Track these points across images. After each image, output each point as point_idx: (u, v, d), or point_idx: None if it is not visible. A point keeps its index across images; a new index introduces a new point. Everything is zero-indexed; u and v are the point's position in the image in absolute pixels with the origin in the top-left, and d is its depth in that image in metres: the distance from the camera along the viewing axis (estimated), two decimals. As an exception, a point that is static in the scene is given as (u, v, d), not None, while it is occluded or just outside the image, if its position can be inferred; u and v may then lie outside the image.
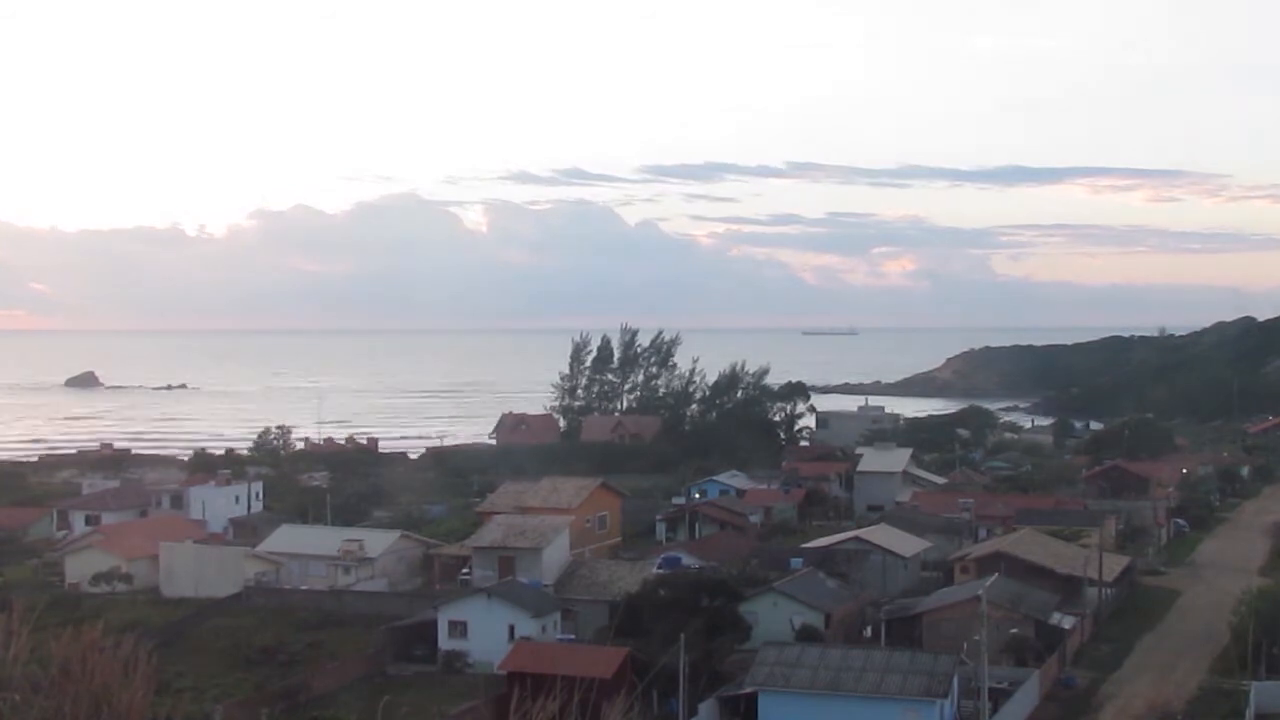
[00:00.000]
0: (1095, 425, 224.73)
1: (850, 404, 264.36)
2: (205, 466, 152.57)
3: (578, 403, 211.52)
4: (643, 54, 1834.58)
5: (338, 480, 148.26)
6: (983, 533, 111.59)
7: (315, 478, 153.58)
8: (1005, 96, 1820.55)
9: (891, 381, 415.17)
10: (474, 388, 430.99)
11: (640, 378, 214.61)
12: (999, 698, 64.33)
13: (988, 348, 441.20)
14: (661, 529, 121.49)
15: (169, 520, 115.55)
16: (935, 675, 61.62)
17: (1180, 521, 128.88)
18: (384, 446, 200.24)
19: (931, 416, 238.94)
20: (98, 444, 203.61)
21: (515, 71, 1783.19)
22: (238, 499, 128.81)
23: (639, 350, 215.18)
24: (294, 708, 66.28)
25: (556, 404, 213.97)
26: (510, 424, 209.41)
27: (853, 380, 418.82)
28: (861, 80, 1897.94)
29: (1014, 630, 75.50)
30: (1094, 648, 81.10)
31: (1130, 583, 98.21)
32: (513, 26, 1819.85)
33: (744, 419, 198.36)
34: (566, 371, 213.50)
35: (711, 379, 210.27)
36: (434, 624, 78.88)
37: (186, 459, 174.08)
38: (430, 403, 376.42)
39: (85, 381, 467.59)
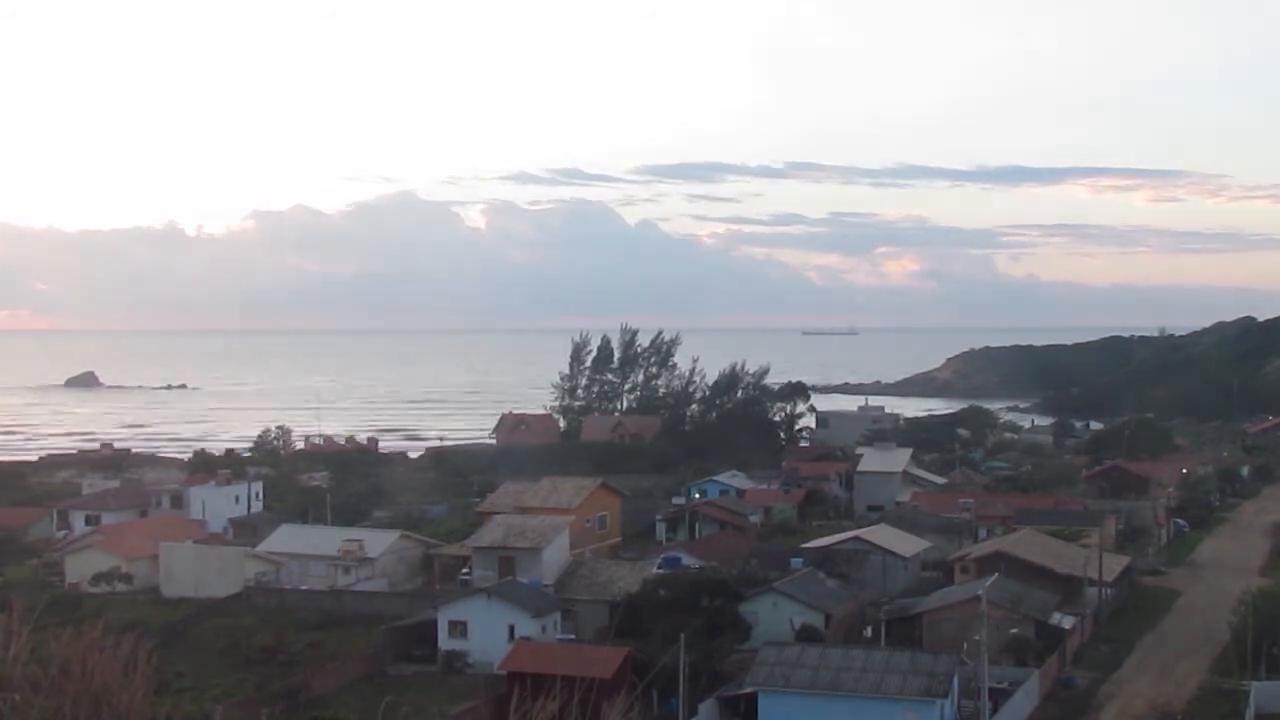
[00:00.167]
0: (1095, 425, 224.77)
1: (850, 404, 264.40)
2: (205, 466, 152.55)
3: (578, 403, 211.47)
4: (643, 54, 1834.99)
5: (338, 480, 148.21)
6: (983, 533, 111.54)
7: (315, 478, 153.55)
8: (1006, 96, 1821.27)
9: (891, 381, 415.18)
10: (474, 388, 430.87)
11: (640, 378, 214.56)
12: (999, 698, 64.31)
13: (988, 348, 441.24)
14: (661, 529, 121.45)
15: (169, 520, 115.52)
16: (935, 675, 61.60)
17: (1180, 521, 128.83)
18: (384, 446, 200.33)
19: (931, 416, 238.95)
20: (98, 444, 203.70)
21: (515, 71, 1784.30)
22: (238, 499, 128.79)
23: (639, 350, 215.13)
24: (294, 708, 66.26)
25: (556, 404, 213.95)
26: (510, 424, 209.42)
27: (853, 380, 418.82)
28: (862, 80, 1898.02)
29: (1014, 630, 75.47)
30: (1094, 648, 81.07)
31: (1130, 583, 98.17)
32: (513, 27, 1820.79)
33: (744, 419, 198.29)
34: (566, 371, 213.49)
35: (711, 379, 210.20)
36: (434, 624, 78.85)
37: (186, 459, 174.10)
38: (430, 403, 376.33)
39: (85, 381, 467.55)
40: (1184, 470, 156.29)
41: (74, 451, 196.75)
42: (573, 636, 77.88)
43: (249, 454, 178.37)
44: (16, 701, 10.66)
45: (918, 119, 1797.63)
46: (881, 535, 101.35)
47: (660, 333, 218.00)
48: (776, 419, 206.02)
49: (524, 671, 57.56)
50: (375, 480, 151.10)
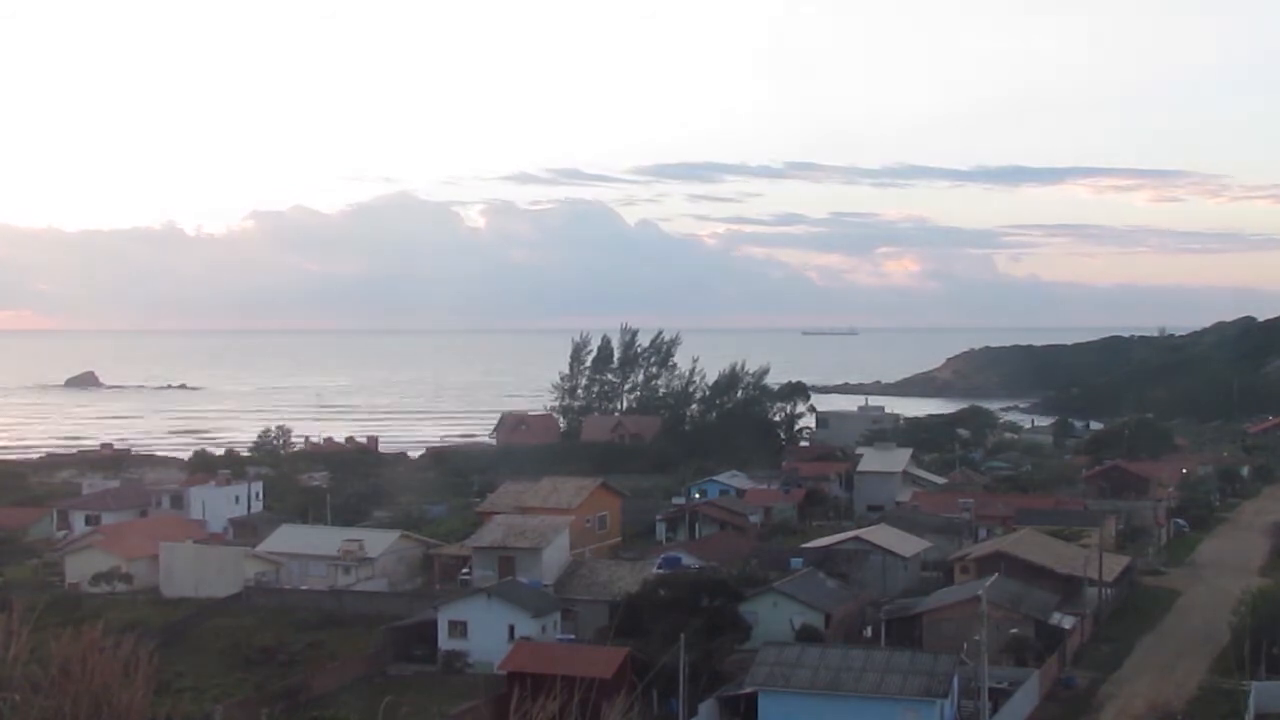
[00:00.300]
0: (1095, 425, 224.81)
1: (850, 404, 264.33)
2: (205, 466, 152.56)
3: (578, 403, 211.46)
4: (643, 54, 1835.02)
5: (338, 480, 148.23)
6: (983, 533, 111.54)
7: (315, 478, 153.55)
8: (1007, 96, 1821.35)
9: (891, 381, 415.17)
10: (474, 387, 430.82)
11: (640, 378, 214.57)
12: (999, 698, 64.30)
13: (988, 348, 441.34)
14: (661, 529, 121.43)
15: (169, 520, 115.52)
16: (935, 675, 61.60)
17: (1180, 521, 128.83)
18: (384, 446, 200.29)
19: (931, 416, 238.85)
20: (98, 444, 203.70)
21: (515, 71, 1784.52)
22: (238, 499, 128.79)
23: (639, 350, 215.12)
24: (294, 708, 66.24)
25: (556, 404, 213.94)
26: (510, 424, 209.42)
27: (853, 380, 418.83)
28: (863, 80, 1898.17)
29: (1014, 630, 75.47)
30: (1094, 648, 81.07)
31: (1130, 583, 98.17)
32: (513, 27, 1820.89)
33: (744, 419, 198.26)
34: (566, 371, 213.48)
35: (711, 379, 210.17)
36: (434, 624, 78.85)
37: (186, 459, 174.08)
38: (430, 402, 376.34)
39: (85, 381, 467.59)
40: (1184, 470, 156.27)
41: (74, 451, 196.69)
42: (573, 636, 77.86)
43: (249, 454, 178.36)
44: (16, 701, 10.67)
45: (918, 119, 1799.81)
46: (881, 535, 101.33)
47: (660, 333, 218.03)
48: (776, 419, 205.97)
49: (524, 671, 57.57)
50: (375, 480, 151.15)
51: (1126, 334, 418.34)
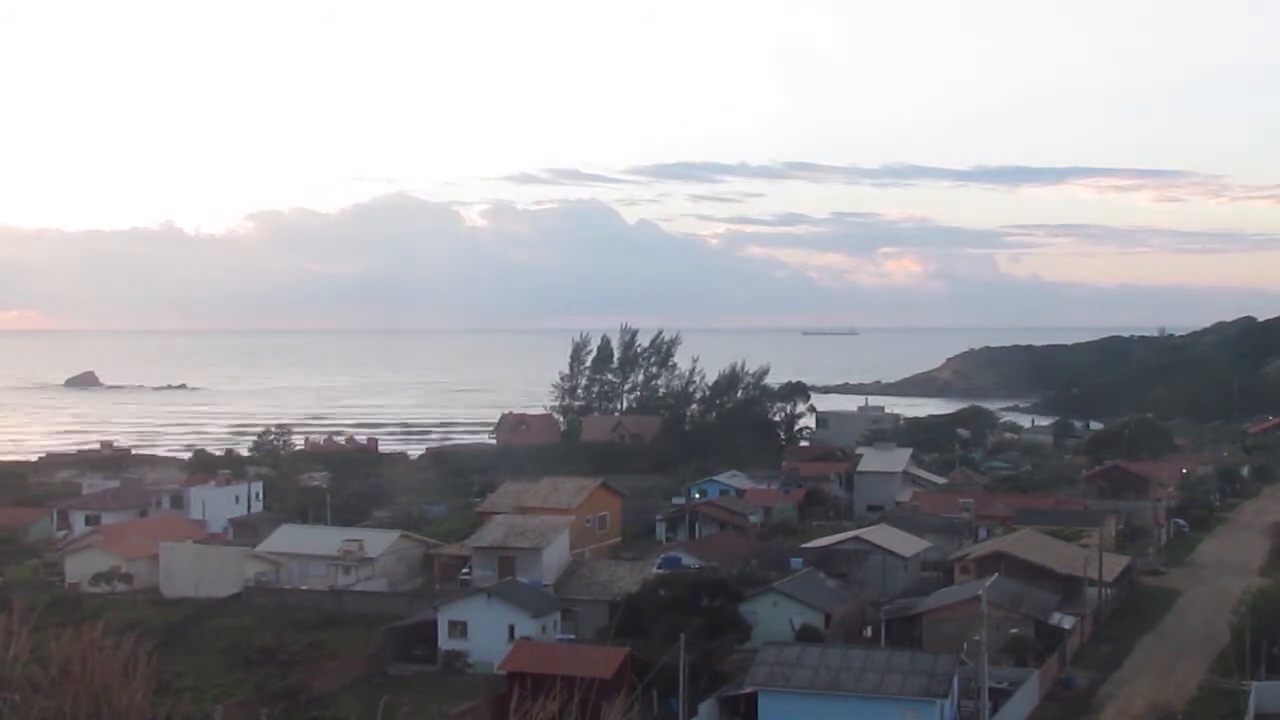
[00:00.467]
0: (1095, 425, 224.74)
1: (850, 404, 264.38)
2: (205, 466, 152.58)
3: (578, 403, 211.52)
4: (643, 54, 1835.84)
5: (338, 480, 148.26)
6: (983, 533, 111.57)
7: (315, 478, 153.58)
8: (1009, 97, 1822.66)
9: (891, 381, 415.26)
10: (474, 387, 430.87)
11: (640, 378, 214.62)
12: (999, 698, 64.32)
13: (988, 348, 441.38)
14: (661, 529, 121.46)
15: (169, 520, 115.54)
16: (935, 675, 61.61)
17: (1180, 521, 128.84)
18: (384, 446, 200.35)
19: (931, 416, 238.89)
20: (98, 444, 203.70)
21: (515, 71, 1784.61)
22: (238, 499, 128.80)
23: (639, 350, 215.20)
24: (294, 708, 66.25)
25: (556, 404, 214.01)
26: (510, 424, 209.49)
27: (853, 380, 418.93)
28: (864, 80, 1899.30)
29: (1014, 630, 75.48)
30: (1094, 648, 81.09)
31: (1130, 583, 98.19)
32: (513, 27, 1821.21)
33: (744, 419, 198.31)
34: (566, 371, 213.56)
35: (711, 379, 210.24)
36: (434, 624, 78.87)
37: (186, 459, 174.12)
38: (430, 402, 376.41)
39: (85, 381, 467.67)
40: (1184, 470, 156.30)
41: (74, 451, 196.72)
42: (573, 636, 77.88)
43: (249, 454, 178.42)
44: (16, 701, 10.67)
45: (920, 119, 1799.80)
46: (881, 535, 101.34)
47: (660, 333, 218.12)
48: (776, 419, 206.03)
49: (524, 671, 57.58)
50: (375, 480, 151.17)
51: (1127, 334, 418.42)
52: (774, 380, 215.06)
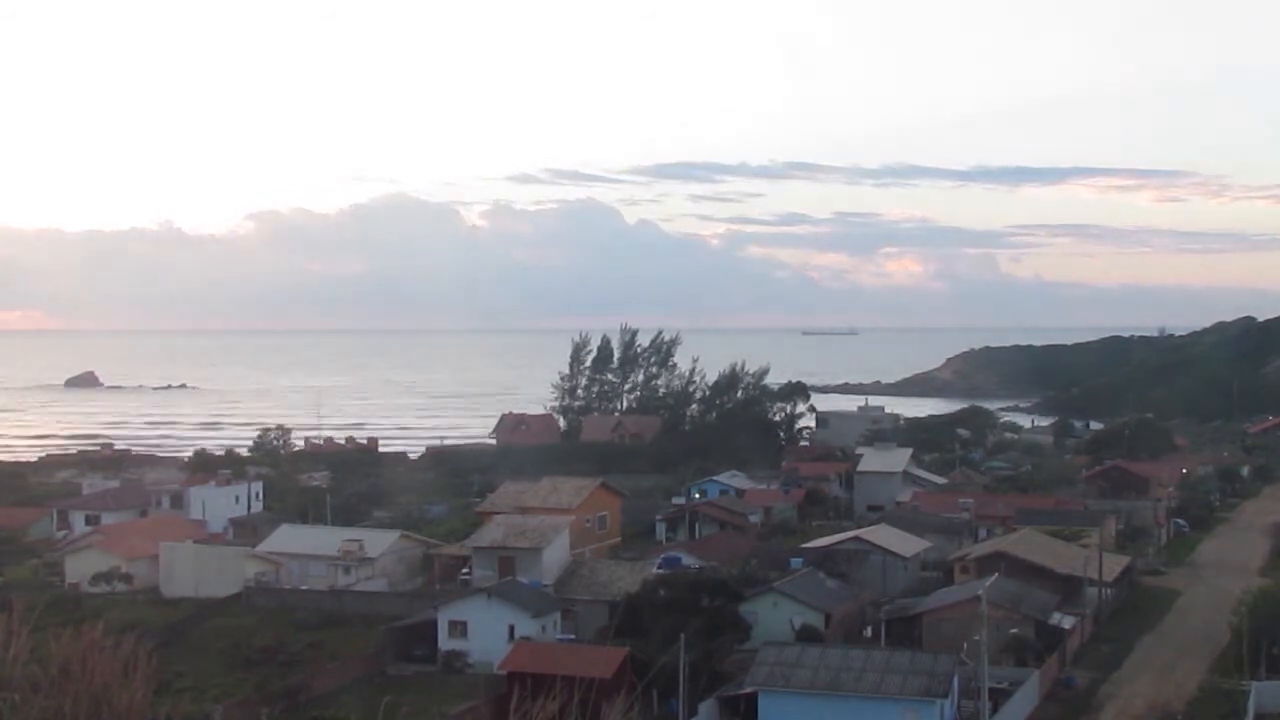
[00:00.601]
0: (1095, 425, 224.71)
1: (850, 404, 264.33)
2: (205, 466, 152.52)
3: (578, 403, 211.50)
4: (643, 54, 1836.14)
5: (338, 480, 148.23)
6: (983, 533, 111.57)
7: (315, 478, 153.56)
8: (1010, 97, 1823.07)
9: (891, 381, 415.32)
10: (474, 387, 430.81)
11: (640, 378, 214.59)
12: (999, 698, 64.32)
13: (988, 348, 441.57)
14: (661, 529, 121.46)
15: (169, 520, 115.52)
16: (935, 675, 61.62)
17: (1180, 521, 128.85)
18: (384, 446, 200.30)
19: (931, 416, 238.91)
20: (98, 444, 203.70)
21: (515, 72, 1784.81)
22: (238, 499, 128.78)
23: (639, 350, 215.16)
24: (294, 708, 66.27)
25: (556, 404, 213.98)
26: (510, 424, 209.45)
27: (853, 380, 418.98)
28: (865, 80, 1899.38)
29: (1014, 630, 75.49)
30: (1094, 648, 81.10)
31: (1130, 583, 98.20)
32: (513, 27, 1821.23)
33: (744, 419, 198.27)
34: (566, 371, 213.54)
35: (711, 379, 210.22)
36: (434, 624, 78.87)
37: (186, 459, 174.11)
38: (431, 403, 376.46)
39: (85, 381, 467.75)
40: (1184, 470, 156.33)
41: (74, 451, 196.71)
42: (573, 636, 77.90)
43: (249, 454, 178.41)
44: (16, 701, 10.67)
45: (921, 119, 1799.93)
46: (881, 535, 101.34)
47: (660, 333, 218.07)
48: (776, 419, 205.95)
49: (524, 671, 57.59)
50: (375, 480, 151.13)
51: (1127, 334, 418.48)
52: (774, 380, 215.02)
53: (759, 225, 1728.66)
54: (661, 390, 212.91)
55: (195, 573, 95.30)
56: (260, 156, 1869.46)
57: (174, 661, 68.16)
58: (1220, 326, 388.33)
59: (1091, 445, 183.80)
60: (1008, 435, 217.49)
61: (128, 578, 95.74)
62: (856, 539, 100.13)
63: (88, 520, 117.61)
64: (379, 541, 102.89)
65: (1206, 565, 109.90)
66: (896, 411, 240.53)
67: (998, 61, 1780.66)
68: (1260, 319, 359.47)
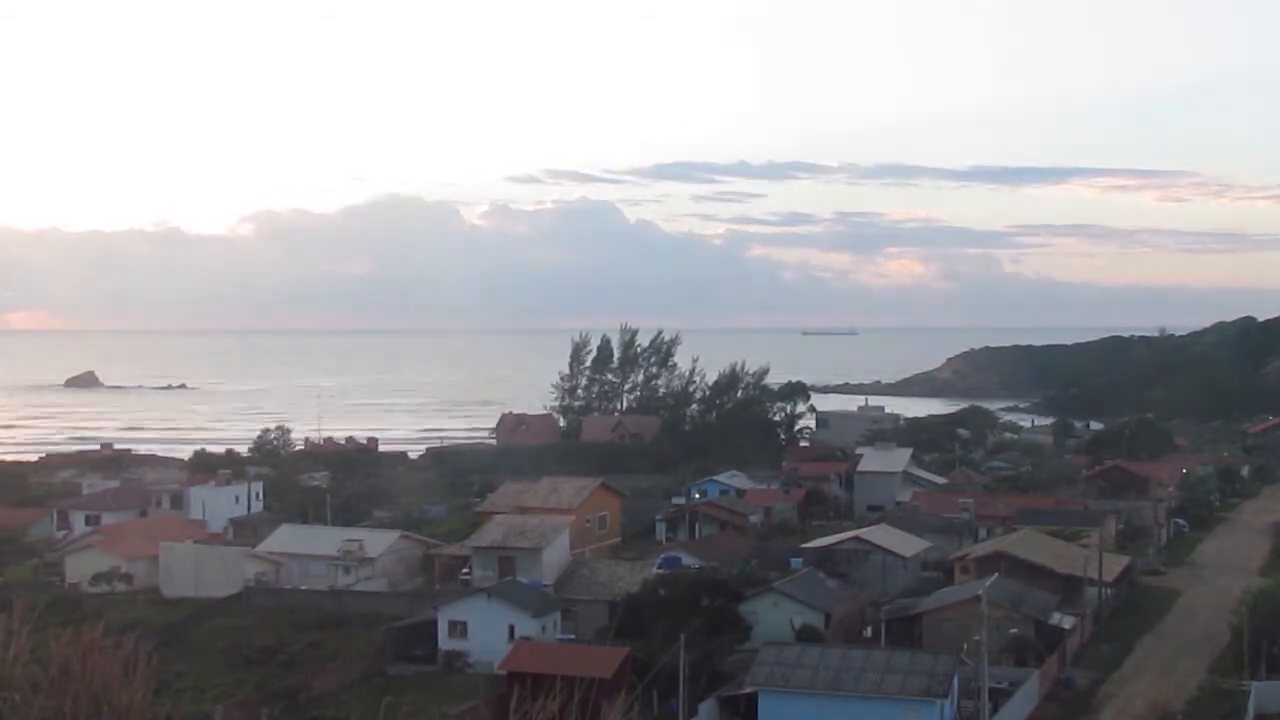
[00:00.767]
0: (1095, 425, 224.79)
1: (850, 404, 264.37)
2: (205, 466, 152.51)
3: (578, 403, 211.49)
4: (643, 54, 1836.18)
5: (338, 480, 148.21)
6: (983, 533, 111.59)
7: (315, 478, 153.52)
8: (1012, 97, 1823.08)
9: (891, 381, 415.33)
10: (474, 387, 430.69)
11: (640, 378, 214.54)
12: (999, 698, 64.34)
13: (988, 348, 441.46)
14: (661, 529, 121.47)
15: (169, 520, 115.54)
16: (935, 675, 61.63)
17: (1180, 521, 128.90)
18: (384, 446, 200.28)
19: (931, 416, 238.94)
20: (98, 444, 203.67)
21: (516, 72, 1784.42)
22: (238, 499, 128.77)
23: (639, 350, 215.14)
24: (294, 708, 66.29)
25: (556, 404, 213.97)
26: (510, 424, 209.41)
27: (853, 380, 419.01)
28: (867, 80, 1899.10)
29: (1014, 630, 75.49)
30: (1094, 648, 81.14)
31: (1130, 583, 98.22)
32: (514, 28, 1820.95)
33: (744, 419, 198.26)
34: (566, 371, 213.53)
35: (711, 379, 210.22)
36: (434, 624, 78.88)
37: (186, 459, 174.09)
38: (431, 403, 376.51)
39: (85, 381, 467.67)
40: (1184, 470, 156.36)
41: (74, 451, 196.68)
42: (573, 636, 77.91)
43: (249, 454, 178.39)
44: (16, 701, 10.67)
45: (924, 119, 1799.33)
46: (881, 535, 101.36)
47: (660, 333, 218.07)
48: (776, 419, 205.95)
49: (524, 671, 57.59)
50: (375, 480, 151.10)
51: (1127, 334, 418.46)
52: (774, 380, 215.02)
53: (760, 225, 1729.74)
54: (661, 390, 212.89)
55: (195, 573, 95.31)
56: (260, 157, 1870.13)
57: (174, 661, 68.14)
58: (1220, 326, 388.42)
59: (1091, 445, 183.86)
60: (1008, 435, 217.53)
61: (128, 578, 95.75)
62: (856, 539, 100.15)
63: (88, 520, 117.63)
64: (379, 541, 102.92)
65: (1206, 565, 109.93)
66: (896, 411, 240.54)
67: (1000, 61, 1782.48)
68: (1260, 319, 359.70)
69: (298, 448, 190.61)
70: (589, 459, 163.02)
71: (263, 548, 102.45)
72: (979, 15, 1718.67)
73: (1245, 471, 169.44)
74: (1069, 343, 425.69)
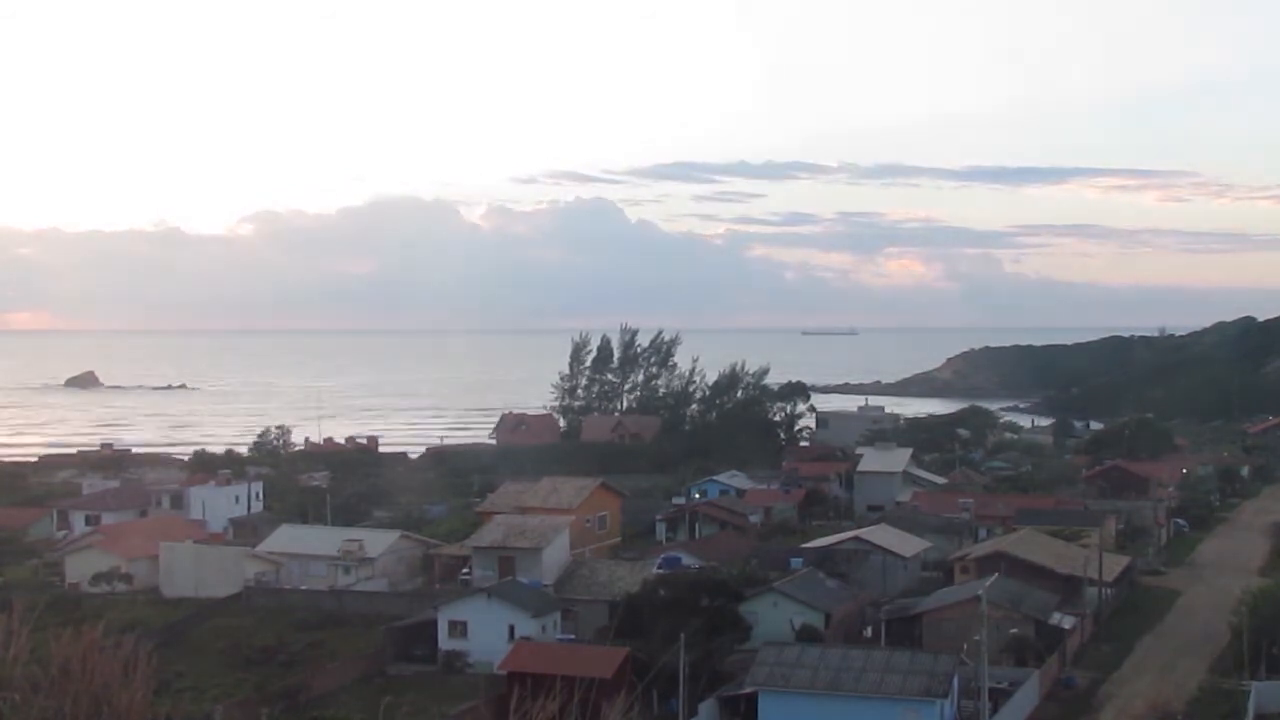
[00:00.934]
0: (1095, 425, 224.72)
1: (850, 404, 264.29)
2: (205, 466, 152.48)
3: (578, 403, 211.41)
4: (643, 54, 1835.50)
5: (338, 480, 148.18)
6: (983, 533, 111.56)
7: (315, 478, 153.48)
8: (1014, 97, 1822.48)
9: (891, 381, 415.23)
10: (474, 388, 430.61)
11: (640, 378, 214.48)
12: (999, 698, 64.31)
13: (988, 348, 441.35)
14: (661, 529, 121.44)
15: (169, 520, 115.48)
16: (935, 675, 61.61)
17: (1180, 521, 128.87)
18: (384, 446, 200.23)
19: (931, 416, 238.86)
20: (98, 444, 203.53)
21: (516, 73, 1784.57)
22: (238, 499, 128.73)
23: (639, 350, 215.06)
24: (294, 708, 66.24)
25: (556, 404, 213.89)
26: (510, 424, 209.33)
27: (853, 380, 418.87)
28: (867, 80, 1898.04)
29: (1014, 630, 75.47)
30: (1094, 648, 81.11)
31: (1130, 583, 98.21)
32: (513, 28, 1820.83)
33: (744, 419, 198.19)
34: (566, 371, 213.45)
35: (711, 379, 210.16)
36: (434, 624, 78.86)
37: (186, 459, 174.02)
38: (431, 402, 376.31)
39: (85, 381, 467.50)
40: (1184, 470, 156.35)
41: (74, 451, 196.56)
42: (573, 636, 77.88)
43: (249, 454, 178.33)
44: (16, 701, 10.67)
45: (925, 119, 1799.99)
46: (881, 535, 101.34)
47: (660, 333, 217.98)
48: (776, 419, 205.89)
49: (524, 671, 57.58)
50: (375, 480, 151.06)
51: (1127, 334, 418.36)
52: (774, 380, 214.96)
53: (761, 225, 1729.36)
54: (661, 390, 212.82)
55: (195, 573, 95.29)
56: (260, 157, 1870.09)
57: (174, 661, 68.09)
58: (1220, 326, 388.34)
59: (1091, 445, 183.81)
60: (1008, 435, 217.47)
61: (128, 578, 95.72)
62: (856, 539, 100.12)
63: (88, 520, 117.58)
64: (379, 541, 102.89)
65: (1206, 565, 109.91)
66: (896, 411, 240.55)
67: (1000, 61, 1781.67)
68: (1260, 319, 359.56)
69: (298, 448, 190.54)
70: (589, 459, 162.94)
71: (263, 548, 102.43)
72: (979, 15, 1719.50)
73: (1245, 471, 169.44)
74: (1069, 343, 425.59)
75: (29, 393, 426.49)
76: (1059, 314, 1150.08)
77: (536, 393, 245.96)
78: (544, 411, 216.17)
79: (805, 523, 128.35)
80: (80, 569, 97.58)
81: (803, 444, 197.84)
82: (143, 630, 57.88)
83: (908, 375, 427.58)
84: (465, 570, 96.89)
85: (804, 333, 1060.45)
